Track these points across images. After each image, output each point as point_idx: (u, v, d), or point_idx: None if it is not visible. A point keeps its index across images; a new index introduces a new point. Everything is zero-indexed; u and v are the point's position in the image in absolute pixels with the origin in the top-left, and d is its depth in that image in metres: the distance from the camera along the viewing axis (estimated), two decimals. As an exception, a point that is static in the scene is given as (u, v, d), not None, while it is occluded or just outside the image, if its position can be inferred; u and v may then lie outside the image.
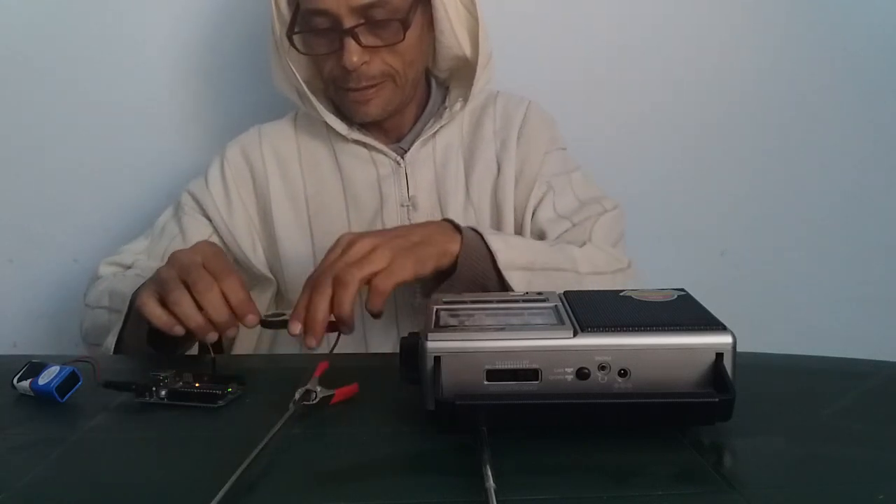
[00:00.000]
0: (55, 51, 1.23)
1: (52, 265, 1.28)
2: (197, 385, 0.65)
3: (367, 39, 0.91)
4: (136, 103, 1.24)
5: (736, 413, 0.53)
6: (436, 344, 0.56)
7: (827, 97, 1.28)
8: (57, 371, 0.65)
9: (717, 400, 0.53)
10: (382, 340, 0.98)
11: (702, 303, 0.62)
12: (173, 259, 0.75)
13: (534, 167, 1.01)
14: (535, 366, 0.56)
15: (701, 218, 1.30)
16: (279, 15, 0.97)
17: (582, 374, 0.55)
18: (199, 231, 1.01)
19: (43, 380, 0.64)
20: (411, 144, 1.02)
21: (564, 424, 0.56)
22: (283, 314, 0.76)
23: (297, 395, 0.58)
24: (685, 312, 0.59)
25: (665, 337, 0.56)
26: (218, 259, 0.75)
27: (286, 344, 0.96)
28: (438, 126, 1.01)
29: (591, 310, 0.60)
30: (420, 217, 1.00)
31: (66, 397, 0.65)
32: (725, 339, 0.55)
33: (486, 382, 0.56)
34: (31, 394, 0.65)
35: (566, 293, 0.66)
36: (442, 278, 0.81)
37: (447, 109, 1.02)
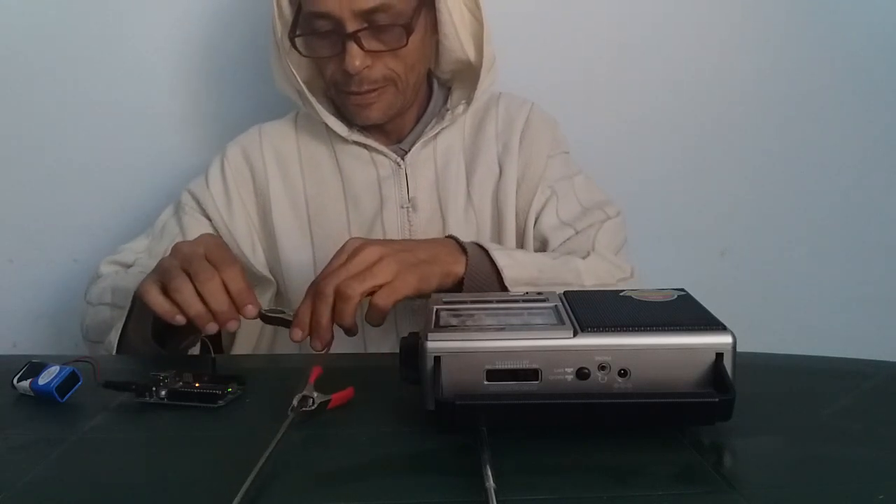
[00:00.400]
0: (55, 51, 1.23)
1: (52, 265, 1.28)
2: (197, 385, 0.65)
3: (370, 44, 0.91)
4: (137, 103, 1.24)
5: (736, 413, 0.53)
6: (436, 344, 0.56)
7: (827, 97, 1.28)
8: (57, 371, 0.65)
9: (717, 400, 0.53)
10: (381, 341, 0.98)
11: (702, 303, 0.62)
12: (176, 250, 0.76)
13: (537, 171, 1.01)
14: (535, 366, 0.56)
15: (701, 218, 1.30)
16: (281, 15, 0.96)
17: (582, 374, 0.55)
18: (198, 230, 1.00)
19: (43, 380, 0.64)
20: (412, 146, 1.01)
21: (564, 424, 0.56)
22: (283, 311, 0.76)
23: (294, 402, 0.58)
24: (685, 312, 0.59)
25: (665, 337, 0.56)
26: (220, 250, 0.75)
27: (286, 344, 0.96)
28: (440, 128, 1.01)
29: (591, 310, 0.60)
30: (420, 218, 1.00)
31: (66, 397, 0.65)
32: (725, 339, 0.55)
33: (486, 382, 0.56)
34: (31, 394, 0.65)
35: (566, 293, 0.66)
36: None
37: (449, 111, 1.02)
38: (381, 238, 0.99)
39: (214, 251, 0.74)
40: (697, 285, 0.67)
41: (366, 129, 1.02)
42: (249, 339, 1.01)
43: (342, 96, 0.96)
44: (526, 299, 0.65)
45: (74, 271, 1.26)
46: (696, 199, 1.30)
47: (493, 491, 0.46)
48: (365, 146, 1.01)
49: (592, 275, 0.89)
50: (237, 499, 0.46)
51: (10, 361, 0.69)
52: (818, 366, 0.72)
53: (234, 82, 1.25)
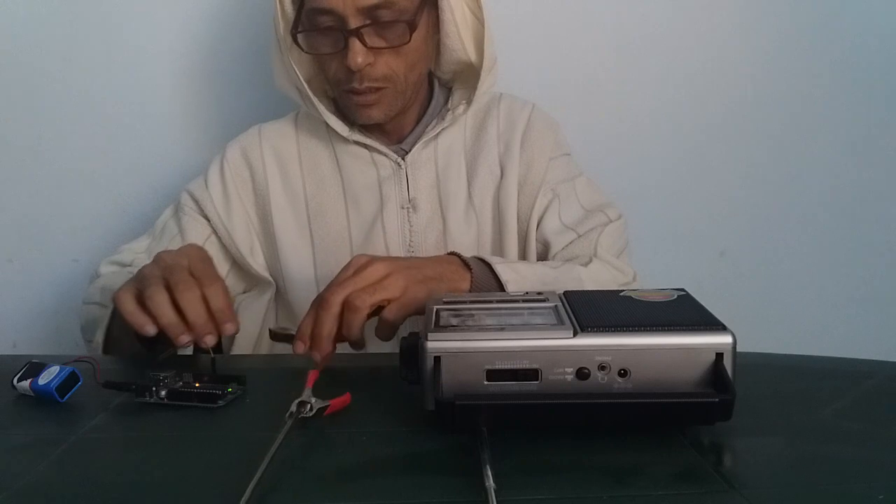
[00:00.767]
0: (55, 51, 1.23)
1: (52, 265, 1.28)
2: (197, 385, 0.65)
3: (373, 41, 0.91)
4: (137, 103, 1.24)
5: (736, 413, 0.53)
6: (436, 344, 0.56)
7: (827, 97, 1.28)
8: (57, 371, 0.65)
9: (717, 400, 0.53)
10: (382, 342, 0.98)
11: (702, 303, 0.62)
12: (158, 258, 0.75)
13: (538, 173, 1.00)
14: (535, 366, 0.56)
15: (701, 218, 1.31)
16: (283, 13, 0.96)
17: (582, 374, 0.55)
18: (197, 231, 1.01)
19: (43, 380, 0.64)
20: (412, 146, 1.01)
21: (564, 424, 0.56)
22: (289, 329, 0.77)
23: (292, 408, 0.57)
24: (685, 312, 0.59)
25: (665, 337, 0.56)
26: (204, 264, 0.74)
27: (286, 345, 0.96)
28: (440, 128, 1.01)
29: (591, 310, 0.60)
30: (420, 219, 1.00)
31: (66, 397, 0.65)
32: (725, 339, 0.55)
33: (486, 382, 0.56)
34: (31, 394, 0.65)
35: (566, 293, 0.66)
36: None
37: (449, 112, 1.02)
38: (382, 237, 0.99)
39: (198, 265, 0.74)
40: (697, 285, 0.67)
41: (366, 128, 1.02)
42: (249, 339, 1.00)
43: (344, 95, 0.96)
44: (526, 299, 0.65)
45: (74, 271, 1.26)
46: (696, 200, 1.30)
47: (493, 491, 0.46)
48: (365, 146, 1.01)
49: (594, 283, 0.89)
50: (243, 500, 0.46)
51: (10, 361, 0.69)
52: (818, 366, 0.72)
53: (235, 82, 1.25)
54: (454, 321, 0.59)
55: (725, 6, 1.25)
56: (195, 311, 0.70)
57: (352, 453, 0.55)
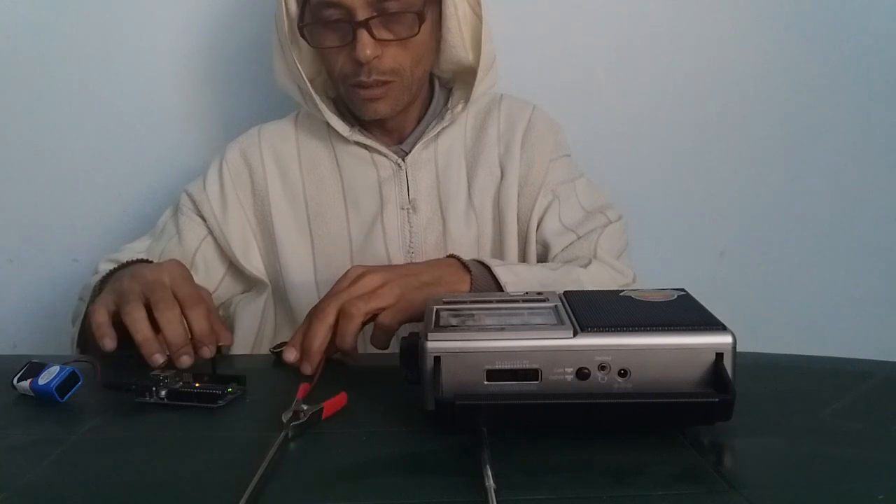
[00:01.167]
0: (56, 51, 1.23)
1: (52, 265, 1.28)
2: (197, 385, 0.65)
3: (380, 33, 0.90)
4: (138, 103, 1.24)
5: (736, 413, 0.53)
6: (436, 344, 0.56)
7: (827, 97, 1.28)
8: (57, 371, 0.65)
9: (717, 400, 0.53)
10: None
11: (702, 303, 0.62)
12: (139, 275, 0.75)
13: (539, 174, 1.00)
14: (535, 366, 0.56)
15: (701, 218, 1.31)
16: (287, 9, 0.96)
17: (582, 374, 0.55)
18: (194, 231, 1.01)
19: (43, 380, 0.64)
20: (413, 146, 1.01)
21: (564, 424, 0.56)
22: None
23: (284, 419, 0.57)
24: (685, 312, 0.59)
25: (665, 337, 0.56)
26: (187, 284, 0.74)
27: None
28: (440, 128, 1.01)
29: (591, 310, 0.60)
30: (420, 220, 1.00)
31: (66, 397, 0.65)
32: (725, 339, 0.55)
33: (486, 382, 0.56)
34: (31, 394, 0.65)
35: (566, 293, 0.66)
36: None
37: (449, 111, 1.02)
38: (382, 238, 0.99)
39: (181, 284, 0.73)
40: (697, 285, 0.67)
41: (367, 129, 1.02)
42: (248, 339, 1.00)
43: (350, 90, 0.95)
44: (526, 299, 0.65)
45: (74, 271, 1.26)
46: (696, 200, 1.30)
47: (493, 491, 0.46)
48: (365, 147, 1.01)
49: (594, 283, 0.89)
50: (242, 500, 0.46)
51: (10, 361, 0.69)
52: (818, 366, 0.72)
53: (236, 83, 1.25)
54: (454, 321, 0.59)
55: (725, 6, 1.25)
56: (174, 331, 0.70)
57: (352, 453, 0.55)
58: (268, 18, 1.01)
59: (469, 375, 0.56)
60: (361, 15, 0.89)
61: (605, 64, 1.26)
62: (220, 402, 0.63)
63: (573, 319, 0.58)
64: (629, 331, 0.56)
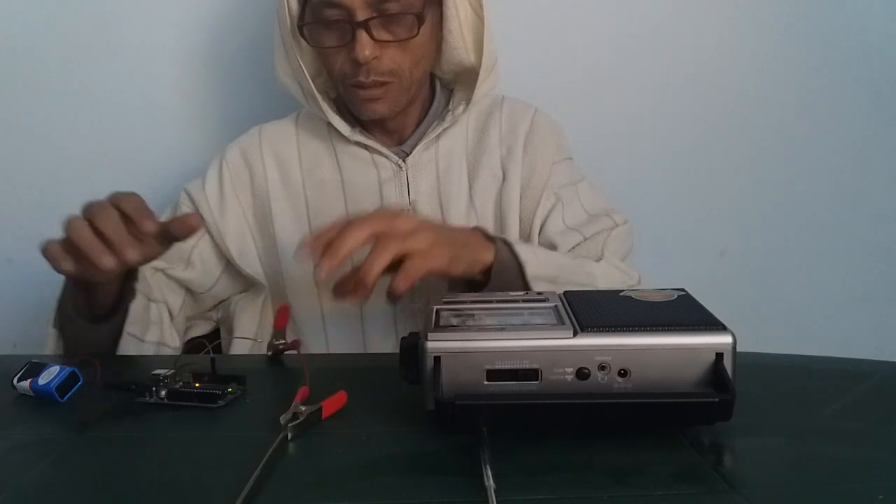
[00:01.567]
0: (56, 51, 1.23)
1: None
2: (197, 385, 0.65)
3: (379, 34, 0.91)
4: (137, 103, 1.24)
5: (736, 413, 0.53)
6: (436, 344, 0.56)
7: (826, 97, 1.28)
8: (57, 371, 0.65)
9: (716, 400, 0.53)
10: (381, 342, 0.98)
11: (702, 303, 0.62)
12: (84, 205, 0.75)
13: (541, 177, 1.00)
14: (535, 366, 0.56)
15: (701, 218, 1.31)
16: (289, 9, 0.96)
17: (582, 374, 0.55)
18: None
19: (43, 380, 0.64)
20: (413, 147, 1.01)
21: (564, 424, 0.56)
22: (285, 342, 0.77)
23: (282, 421, 0.57)
24: (685, 312, 0.59)
25: (665, 337, 0.56)
26: (125, 193, 0.74)
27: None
28: (441, 129, 1.01)
29: (591, 310, 0.60)
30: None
31: (66, 397, 0.65)
32: (725, 339, 0.55)
33: (486, 382, 0.56)
34: (31, 394, 0.65)
35: (566, 293, 0.66)
36: (468, 287, 0.80)
37: (450, 112, 1.02)
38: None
39: (119, 195, 0.73)
40: (697, 285, 0.67)
41: (368, 129, 1.02)
42: (245, 341, 1.00)
43: (349, 90, 0.95)
44: (526, 299, 0.65)
45: (74, 271, 1.26)
46: (696, 200, 1.30)
47: (492, 491, 0.46)
48: (366, 147, 1.01)
49: (606, 279, 0.90)
50: (240, 500, 0.46)
51: (10, 361, 0.69)
52: (818, 366, 0.72)
53: (236, 83, 1.25)
54: (454, 321, 0.59)
55: (726, 7, 1.25)
56: (111, 228, 0.70)
57: (351, 453, 0.55)
58: (269, 18, 1.00)
59: (469, 375, 0.56)
60: (361, 15, 0.89)
61: (605, 64, 1.26)
62: (220, 402, 0.63)
63: (573, 319, 0.58)
64: (629, 331, 0.56)
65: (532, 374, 0.56)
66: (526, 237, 1.00)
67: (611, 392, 0.56)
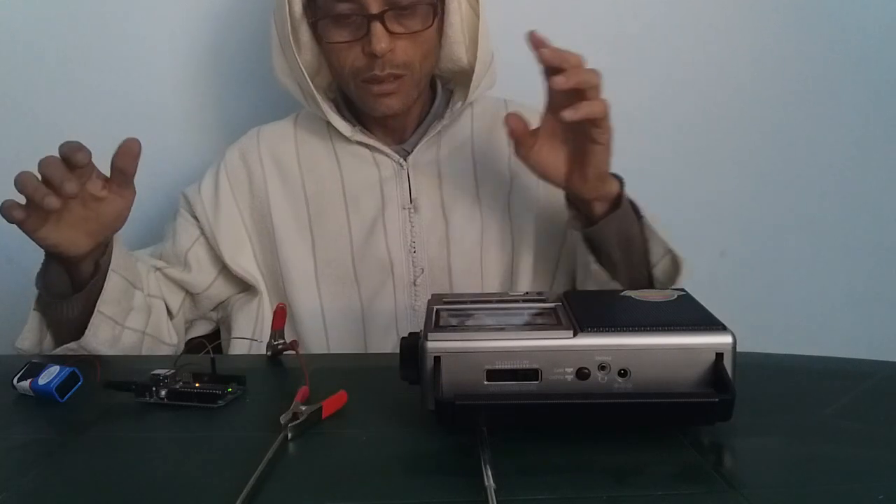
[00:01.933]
0: (56, 51, 1.23)
1: (52, 265, 1.28)
2: (197, 385, 0.65)
3: (393, 26, 0.91)
4: (137, 103, 1.24)
5: (736, 413, 0.53)
6: (436, 344, 0.56)
7: (827, 97, 1.28)
8: (57, 371, 0.65)
9: (716, 400, 0.53)
10: (382, 342, 0.98)
11: (702, 303, 0.62)
12: None
13: None
14: (535, 366, 0.56)
15: (701, 218, 1.30)
16: (291, 9, 0.96)
17: (582, 374, 0.55)
18: (188, 232, 1.02)
19: (43, 380, 0.64)
20: (414, 146, 1.01)
21: (564, 424, 0.56)
22: (283, 342, 0.77)
23: (282, 421, 0.57)
24: (685, 312, 0.59)
25: (665, 337, 0.56)
26: (67, 142, 0.78)
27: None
28: (440, 126, 1.01)
29: (591, 310, 0.60)
30: (422, 220, 0.99)
31: (66, 397, 0.65)
32: (725, 339, 0.55)
33: (486, 382, 0.56)
34: (31, 394, 0.65)
35: (566, 293, 0.66)
36: (580, 218, 0.90)
37: (449, 109, 1.02)
38: (383, 238, 0.98)
39: (62, 144, 0.77)
40: (697, 285, 0.67)
41: (369, 128, 1.02)
42: (245, 342, 1.00)
43: (361, 86, 0.95)
44: (526, 299, 0.66)
45: (74, 271, 1.26)
46: (696, 200, 1.30)
47: (492, 491, 0.46)
48: (367, 146, 1.01)
49: (687, 267, 0.94)
50: (239, 500, 0.46)
51: (10, 361, 0.69)
52: (818, 366, 0.72)
53: (236, 83, 1.25)
54: (454, 321, 0.59)
55: (725, 6, 1.25)
56: (51, 170, 0.75)
57: (351, 453, 0.55)
58: (268, 17, 1.00)
59: (469, 375, 0.56)
60: (375, 8, 0.89)
61: (603, 63, 1.25)
62: (220, 402, 0.63)
63: (573, 319, 0.58)
64: (629, 331, 0.56)
65: (532, 374, 0.56)
66: (542, 232, 1.00)
67: (611, 392, 0.56)
